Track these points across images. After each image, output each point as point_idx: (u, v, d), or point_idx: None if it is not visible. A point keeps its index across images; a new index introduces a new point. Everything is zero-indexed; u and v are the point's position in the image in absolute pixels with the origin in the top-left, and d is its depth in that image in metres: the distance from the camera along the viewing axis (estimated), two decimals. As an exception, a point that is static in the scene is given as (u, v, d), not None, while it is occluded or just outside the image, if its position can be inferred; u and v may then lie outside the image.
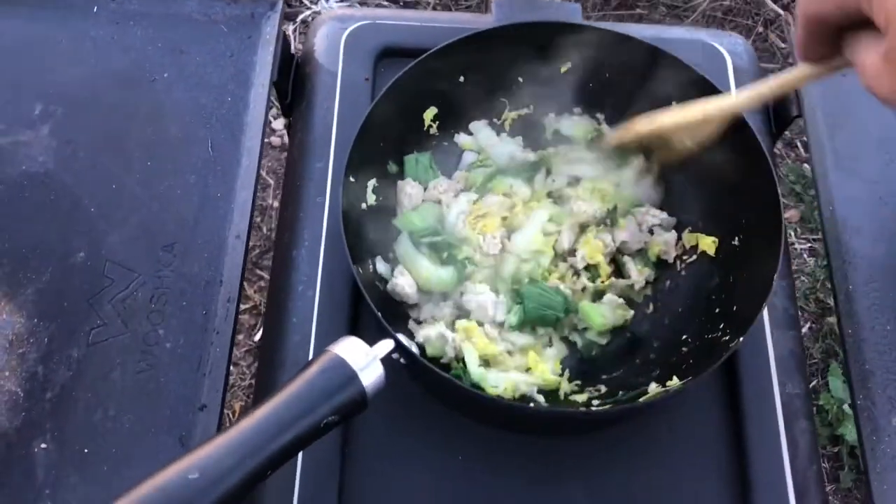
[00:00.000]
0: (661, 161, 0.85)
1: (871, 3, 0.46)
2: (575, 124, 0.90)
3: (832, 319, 1.87)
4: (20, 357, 0.76)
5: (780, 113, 0.94)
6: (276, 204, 1.98)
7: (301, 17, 2.13)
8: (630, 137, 0.80)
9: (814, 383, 1.85)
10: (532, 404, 0.74)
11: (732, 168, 0.79)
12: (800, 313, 1.90)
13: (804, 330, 1.91)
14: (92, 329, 0.77)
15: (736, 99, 0.75)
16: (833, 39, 0.54)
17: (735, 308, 0.76)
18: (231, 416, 1.68)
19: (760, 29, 2.16)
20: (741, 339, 0.69)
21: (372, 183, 0.81)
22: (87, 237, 0.81)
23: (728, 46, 0.97)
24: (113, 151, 0.86)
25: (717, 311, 0.78)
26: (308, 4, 2.17)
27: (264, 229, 1.95)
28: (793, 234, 1.99)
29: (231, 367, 0.81)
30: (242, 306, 1.87)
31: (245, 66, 0.91)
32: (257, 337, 1.87)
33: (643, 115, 0.79)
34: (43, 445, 0.72)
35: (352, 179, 0.76)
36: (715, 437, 0.78)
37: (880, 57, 0.47)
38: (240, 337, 1.86)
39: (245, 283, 1.89)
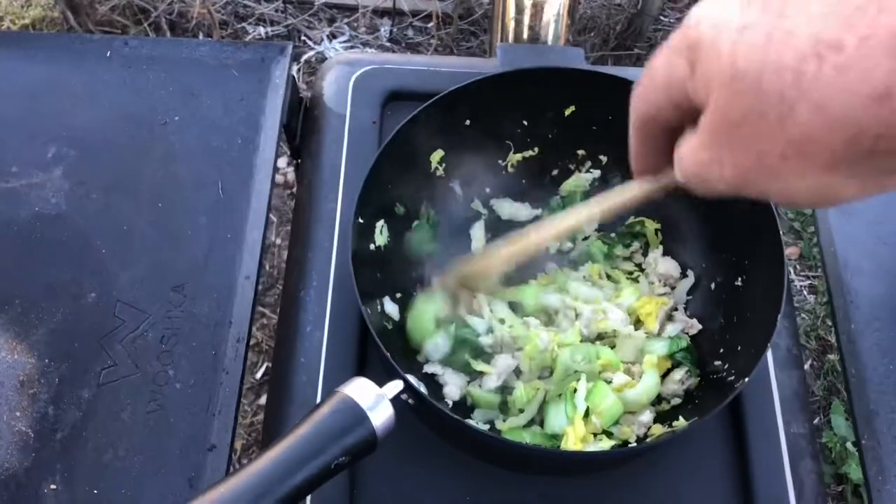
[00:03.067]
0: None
1: (693, 78, 0.42)
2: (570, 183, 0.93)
3: (833, 357, 1.87)
4: (31, 397, 0.76)
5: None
6: (278, 241, 1.99)
7: (305, 57, 2.17)
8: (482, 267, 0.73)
9: (816, 421, 1.84)
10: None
11: (734, 209, 0.80)
12: (801, 351, 1.91)
13: (805, 367, 1.91)
14: (102, 369, 0.78)
15: (591, 211, 0.64)
16: (666, 147, 0.50)
17: (739, 348, 0.77)
18: (233, 454, 1.67)
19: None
20: (746, 379, 0.69)
21: (380, 224, 0.82)
22: (98, 278, 0.82)
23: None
24: (125, 193, 0.87)
25: (721, 351, 0.79)
26: (312, 45, 2.20)
27: (266, 266, 1.96)
28: (792, 271, 2.01)
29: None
30: (245, 344, 1.88)
31: (255, 109, 0.92)
32: (258, 374, 1.87)
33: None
34: (52, 486, 0.72)
35: (361, 221, 0.77)
36: (721, 477, 0.78)
37: (697, 138, 0.43)
38: (242, 375, 1.86)
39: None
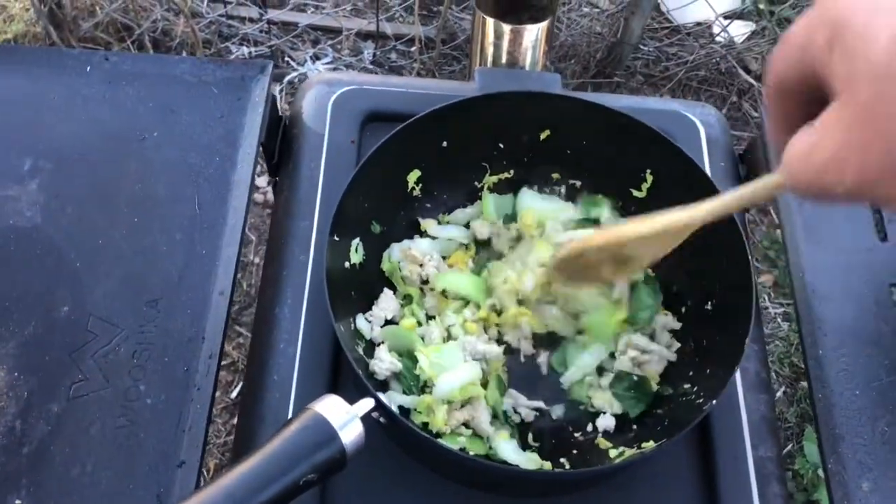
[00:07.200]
0: (613, 277, 0.81)
1: (829, 57, 0.38)
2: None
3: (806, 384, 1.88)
4: (-1, 411, 0.76)
5: (751, 179, 0.97)
6: (256, 260, 1.99)
7: (288, 77, 2.18)
8: (584, 249, 0.76)
9: (789, 448, 1.86)
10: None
11: (705, 235, 0.81)
12: (774, 377, 1.93)
13: (779, 394, 1.92)
14: (73, 383, 0.77)
15: (698, 211, 0.66)
16: (800, 119, 0.45)
17: (708, 371, 0.78)
18: (206, 473, 1.66)
19: (734, 98, 2.24)
20: (714, 401, 0.70)
21: (355, 242, 0.82)
22: (71, 291, 0.82)
23: (701, 117, 1.01)
24: (100, 207, 0.87)
25: (690, 374, 0.80)
26: (295, 66, 2.22)
27: (244, 285, 1.96)
28: (766, 298, 2.03)
29: (208, 424, 0.81)
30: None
31: (234, 126, 0.93)
32: (234, 394, 1.86)
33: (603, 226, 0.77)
34: (17, 501, 0.71)
35: (336, 239, 0.78)
36: (689, 501, 0.79)
37: (818, 133, 0.40)
38: (217, 394, 1.85)
39: (224, 339, 1.87)
